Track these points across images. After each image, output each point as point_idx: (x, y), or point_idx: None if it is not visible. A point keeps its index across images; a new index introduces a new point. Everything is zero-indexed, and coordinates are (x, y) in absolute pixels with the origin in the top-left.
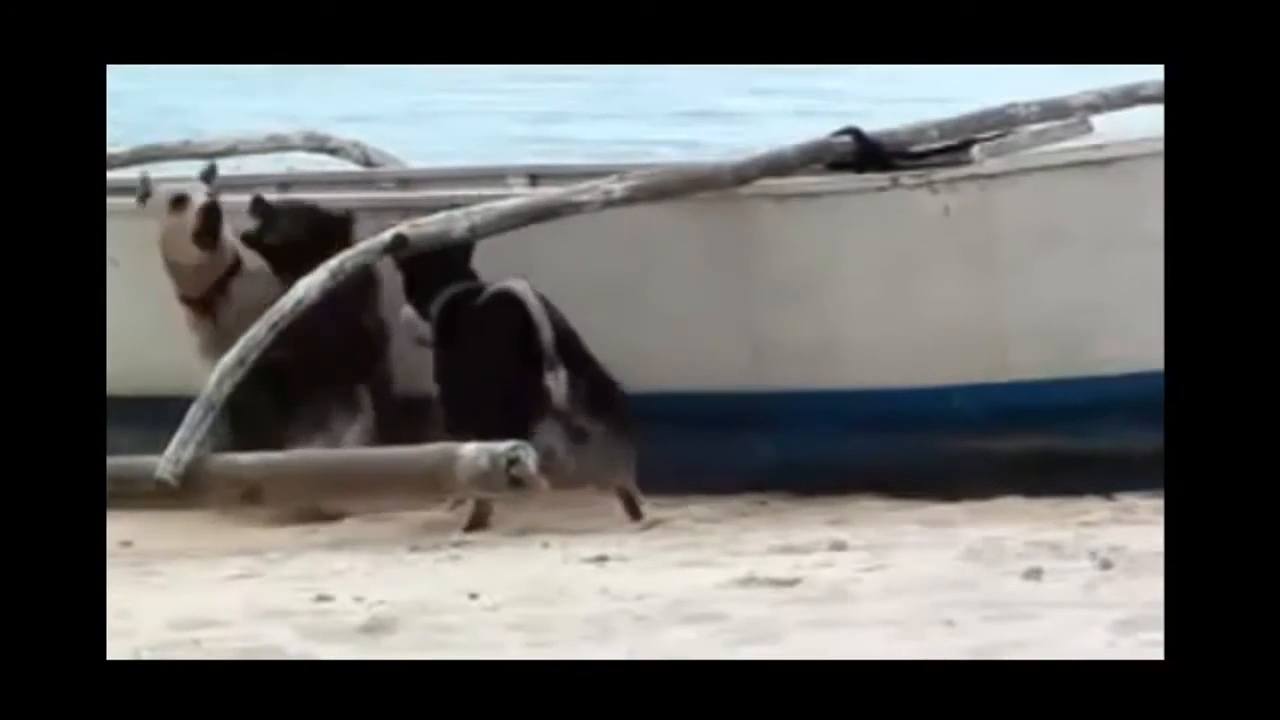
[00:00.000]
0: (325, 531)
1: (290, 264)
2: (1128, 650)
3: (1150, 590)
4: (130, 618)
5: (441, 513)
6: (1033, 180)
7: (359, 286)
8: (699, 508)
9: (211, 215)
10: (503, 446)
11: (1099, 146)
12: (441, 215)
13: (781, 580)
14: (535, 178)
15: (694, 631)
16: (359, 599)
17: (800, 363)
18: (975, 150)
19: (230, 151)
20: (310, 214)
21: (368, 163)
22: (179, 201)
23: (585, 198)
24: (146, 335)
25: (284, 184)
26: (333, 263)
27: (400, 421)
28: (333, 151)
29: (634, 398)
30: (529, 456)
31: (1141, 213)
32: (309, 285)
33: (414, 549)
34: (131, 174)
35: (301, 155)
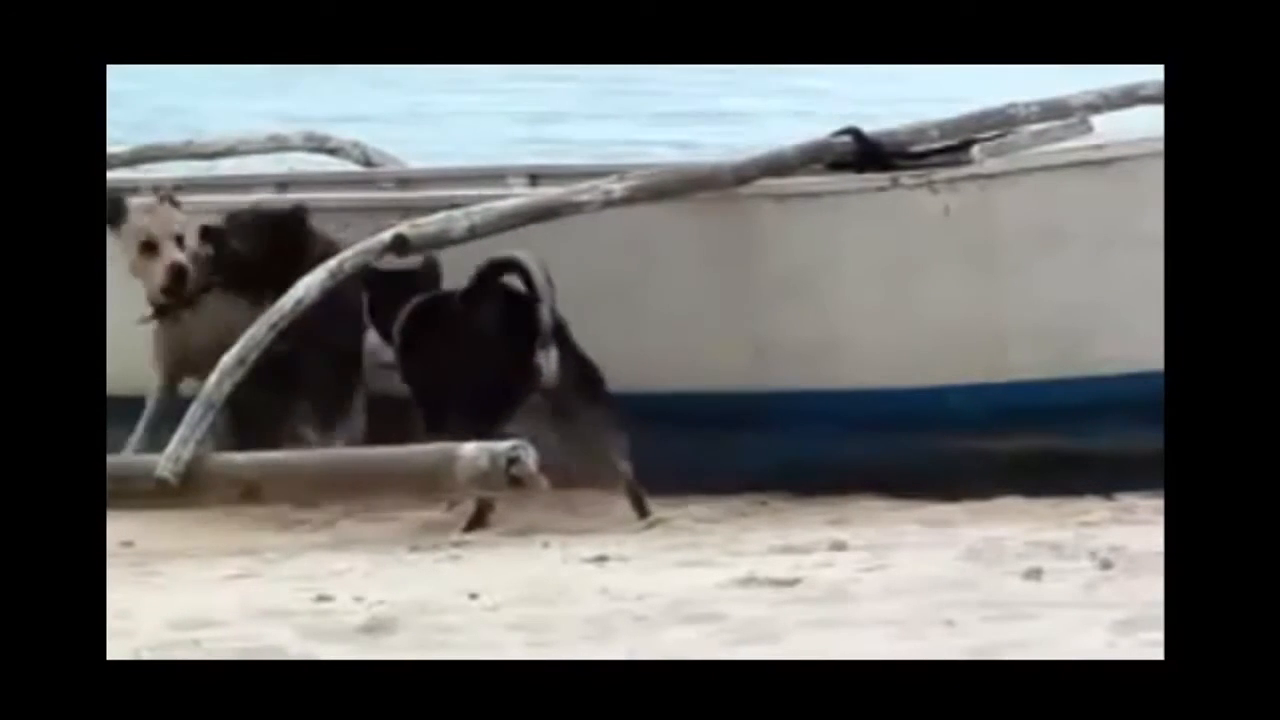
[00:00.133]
0: (325, 532)
1: (255, 280)
2: (1128, 650)
3: (1150, 590)
4: (130, 618)
5: (441, 513)
6: (1033, 180)
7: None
8: (699, 508)
9: (179, 276)
10: (503, 446)
11: (1099, 146)
12: (441, 215)
13: (781, 580)
14: (535, 178)
15: (694, 631)
16: (359, 599)
17: (800, 363)
18: (975, 150)
19: (231, 152)
20: (256, 222)
21: (368, 163)
22: (149, 247)
23: (585, 198)
24: (145, 335)
25: (283, 184)
26: (332, 263)
27: (387, 423)
28: (332, 152)
29: (634, 398)
30: (529, 456)
31: (1141, 213)
32: (308, 285)
33: (414, 549)
34: (131, 174)
35: (302, 155)
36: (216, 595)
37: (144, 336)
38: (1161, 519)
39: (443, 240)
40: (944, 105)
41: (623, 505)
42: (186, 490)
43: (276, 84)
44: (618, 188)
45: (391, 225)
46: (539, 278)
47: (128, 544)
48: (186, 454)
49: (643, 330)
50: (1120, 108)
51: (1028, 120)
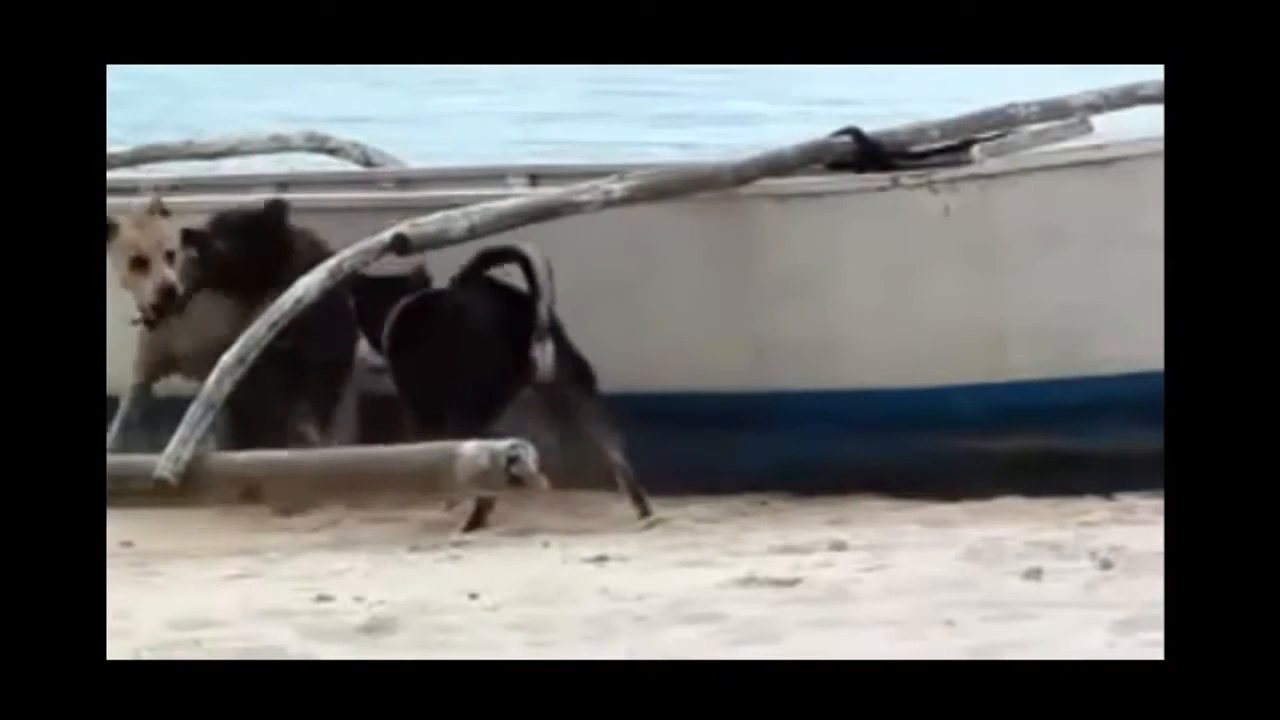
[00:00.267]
0: (325, 532)
1: (239, 280)
2: (1128, 650)
3: (1150, 590)
4: (130, 618)
5: (441, 513)
6: (1033, 180)
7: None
8: (699, 508)
9: (169, 294)
10: (503, 445)
11: (1099, 146)
12: (441, 215)
13: (781, 580)
14: (535, 178)
15: (694, 631)
16: (359, 599)
17: (800, 363)
18: (975, 150)
19: (231, 152)
20: (237, 221)
21: (368, 163)
22: (139, 263)
23: (585, 198)
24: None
25: (283, 184)
26: (332, 262)
27: (376, 424)
28: (333, 152)
29: (634, 398)
30: (529, 455)
31: (1141, 213)
32: (308, 284)
33: (414, 549)
34: (131, 174)
35: (302, 155)
36: (216, 595)
37: (132, 336)
38: (1161, 519)
39: (443, 240)
40: (944, 105)
41: (623, 505)
42: (186, 490)
43: (276, 84)
44: (618, 188)
45: (391, 225)
46: (540, 269)
47: (128, 544)
48: (186, 454)
49: (643, 330)
50: (1120, 108)
51: (1028, 120)
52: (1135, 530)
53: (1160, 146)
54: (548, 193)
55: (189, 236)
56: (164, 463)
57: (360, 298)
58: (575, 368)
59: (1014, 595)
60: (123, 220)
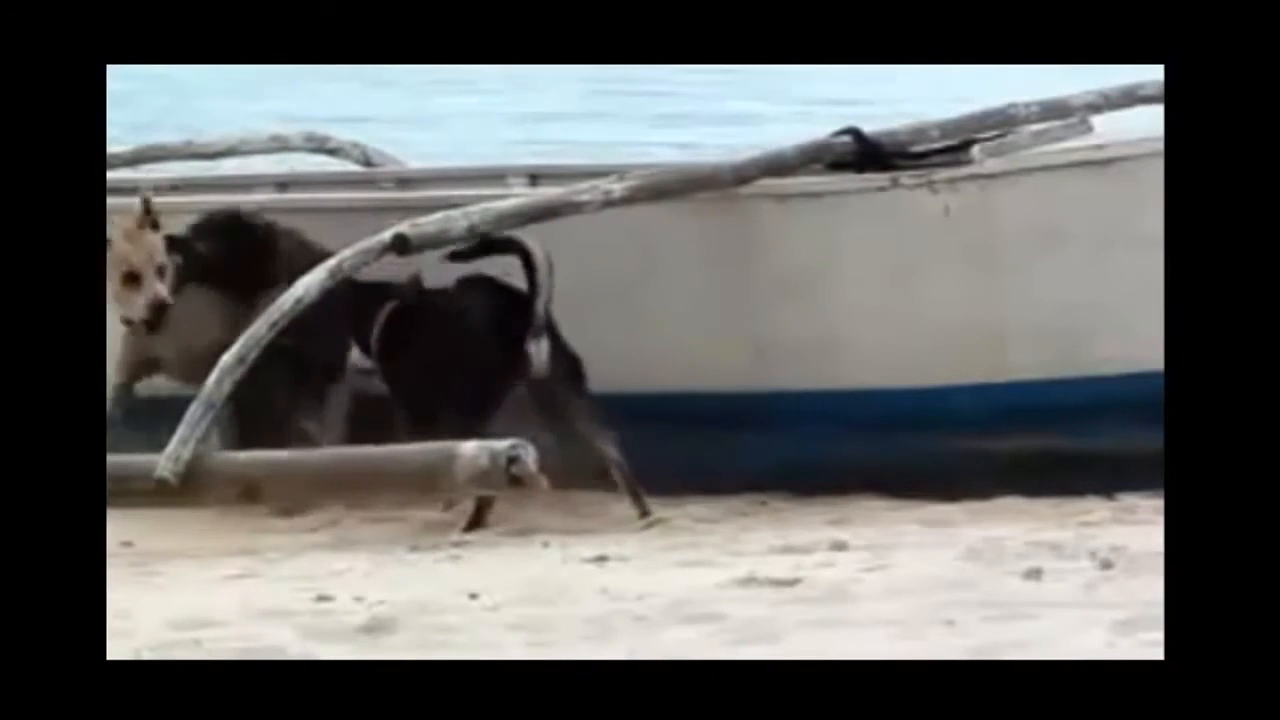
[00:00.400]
0: (325, 531)
1: (224, 281)
2: (1128, 650)
3: (1150, 590)
4: (130, 618)
5: (441, 513)
6: (1033, 180)
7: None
8: (699, 508)
9: (160, 310)
10: (503, 445)
11: (1099, 146)
12: (441, 215)
13: (781, 580)
14: (535, 178)
15: (694, 631)
16: (359, 599)
17: (800, 363)
18: (975, 150)
19: (231, 152)
20: (218, 224)
21: (368, 163)
22: (131, 278)
23: (585, 198)
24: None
25: (283, 184)
26: (332, 262)
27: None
28: (333, 152)
29: (634, 398)
30: (529, 455)
31: (1141, 213)
32: (308, 284)
33: (414, 549)
34: (132, 174)
35: (302, 155)
36: (216, 595)
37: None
38: (1161, 519)
39: (443, 240)
40: (944, 105)
41: (622, 505)
42: (186, 490)
43: (276, 84)
44: (618, 188)
45: (391, 225)
46: (541, 264)
47: (128, 544)
48: (186, 454)
49: (643, 330)
50: (1121, 108)
51: (1028, 120)
52: (1135, 530)
53: (1160, 146)
54: (548, 193)
55: (173, 244)
56: (164, 462)
57: (348, 301)
58: (568, 365)
59: (1014, 595)
60: (114, 234)
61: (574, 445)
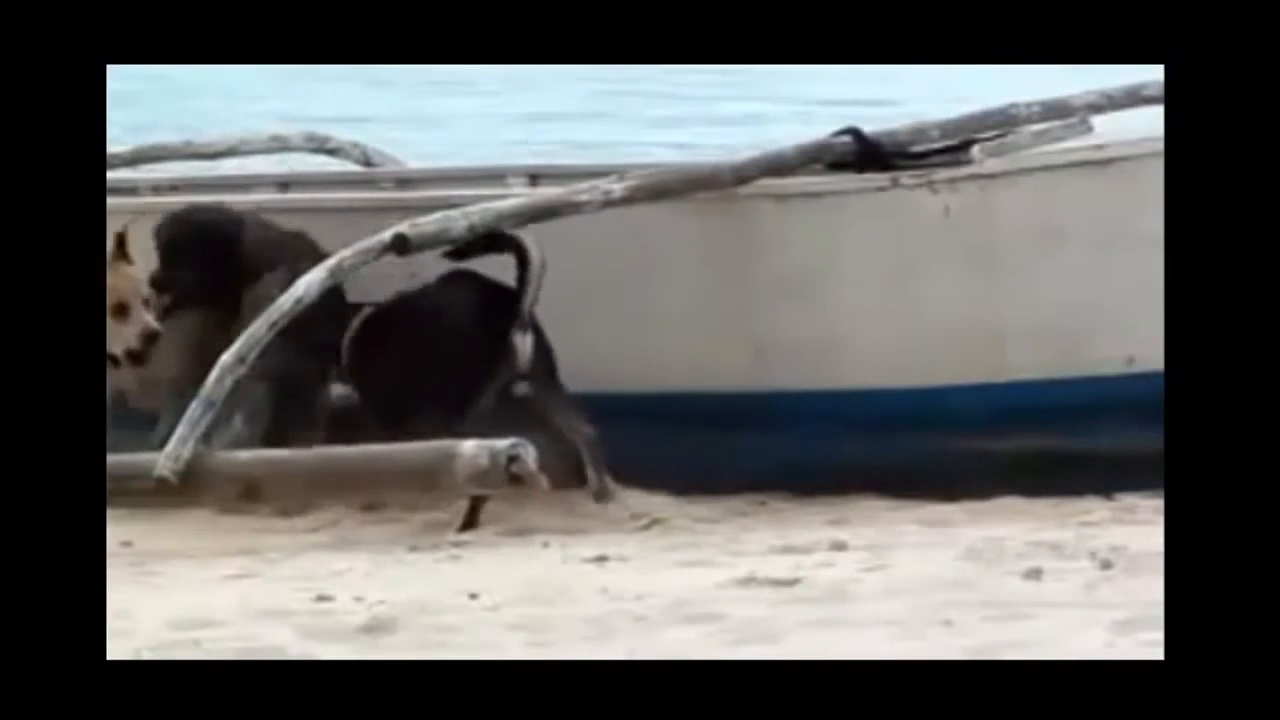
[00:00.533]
0: (325, 532)
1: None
2: (1127, 650)
3: (1150, 590)
4: (130, 618)
5: (441, 513)
6: (1033, 180)
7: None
8: (699, 508)
9: (152, 340)
10: (503, 444)
11: (1099, 146)
12: (440, 215)
13: (781, 580)
14: (535, 178)
15: (694, 631)
16: (359, 599)
17: (800, 363)
18: (975, 150)
19: (231, 152)
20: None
21: (368, 163)
22: (120, 310)
23: (585, 198)
24: None
25: (284, 184)
26: (331, 261)
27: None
28: (332, 152)
29: (634, 398)
30: (529, 454)
31: (1141, 213)
32: (308, 284)
33: (414, 549)
34: (131, 174)
35: (302, 155)
36: (216, 595)
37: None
38: (1161, 519)
39: (442, 240)
40: (944, 105)
41: (622, 506)
42: (186, 489)
43: (276, 84)
44: (618, 188)
45: (391, 225)
46: (534, 261)
47: (128, 544)
48: (186, 453)
49: (643, 330)
50: (1123, 108)
51: (1028, 120)
52: (1135, 530)
53: (1160, 146)
54: (548, 193)
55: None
56: (164, 462)
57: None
58: (546, 359)
59: (1014, 595)
60: None
61: (552, 438)
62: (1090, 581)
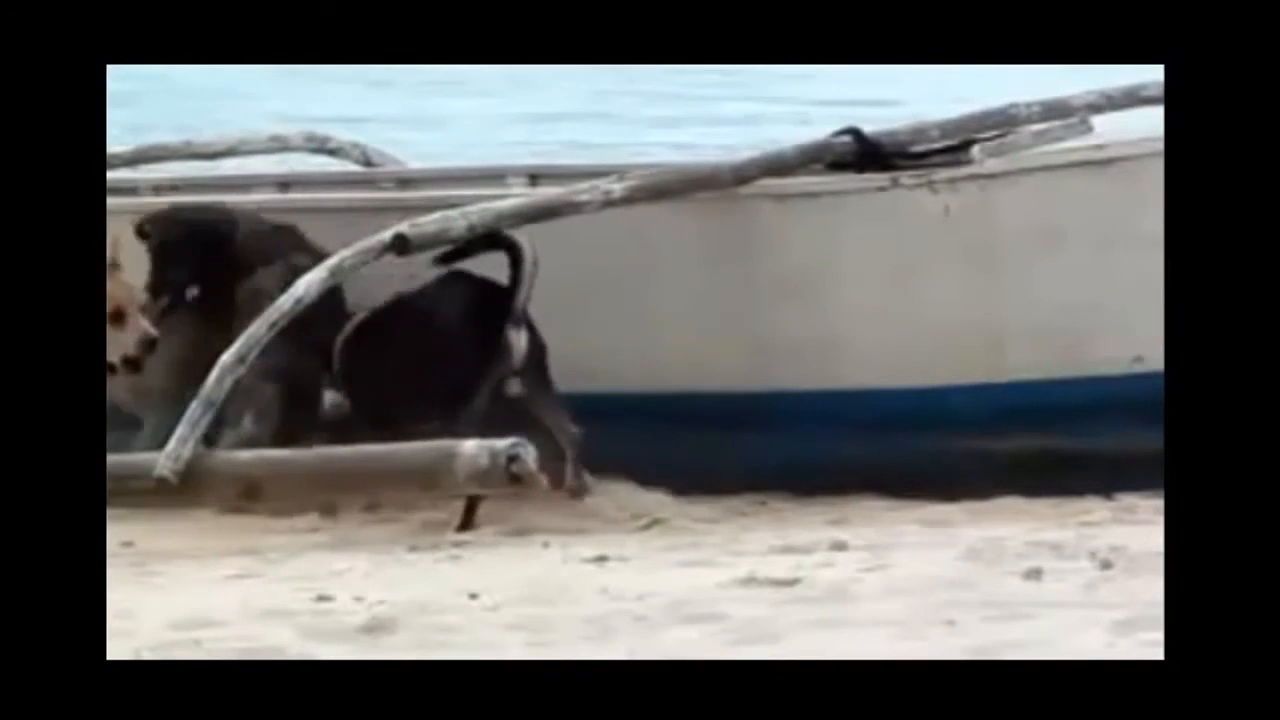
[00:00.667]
0: (325, 532)
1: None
2: (1127, 650)
3: (1150, 590)
4: (130, 618)
5: (441, 513)
6: (1033, 180)
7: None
8: (699, 508)
9: (151, 347)
10: (503, 444)
11: (1099, 146)
12: (440, 215)
13: (782, 580)
14: (535, 178)
15: (694, 631)
16: (359, 599)
17: (800, 363)
18: (975, 150)
19: (231, 152)
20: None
21: (368, 163)
22: (118, 317)
23: (585, 198)
24: None
25: (284, 184)
26: (332, 261)
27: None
28: (333, 152)
29: (634, 397)
30: (529, 454)
31: (1141, 213)
32: (308, 284)
33: (414, 549)
34: (132, 174)
35: (302, 155)
36: (217, 595)
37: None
38: (1161, 519)
39: (442, 240)
40: (944, 105)
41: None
42: (186, 489)
43: (276, 84)
44: (618, 188)
45: (391, 225)
46: (528, 261)
47: (128, 544)
48: (186, 452)
49: (643, 330)
50: (1123, 108)
51: (1028, 120)
52: (1135, 530)
53: (1160, 146)
54: (548, 193)
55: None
56: (164, 461)
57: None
58: (538, 355)
59: (1014, 595)
60: None
61: (542, 437)
62: (1090, 581)
